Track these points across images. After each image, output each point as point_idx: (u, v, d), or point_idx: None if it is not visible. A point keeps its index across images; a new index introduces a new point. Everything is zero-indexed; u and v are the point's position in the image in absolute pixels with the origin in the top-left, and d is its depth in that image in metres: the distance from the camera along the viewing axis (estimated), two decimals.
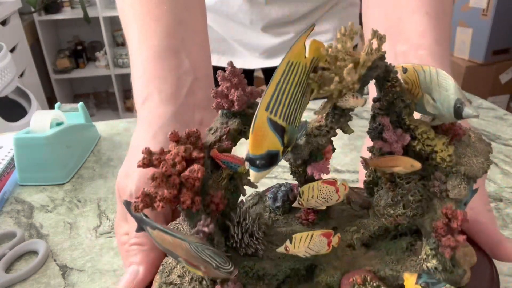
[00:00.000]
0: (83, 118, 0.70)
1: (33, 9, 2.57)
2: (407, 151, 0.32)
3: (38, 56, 2.64)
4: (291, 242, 0.29)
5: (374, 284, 0.29)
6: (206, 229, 0.28)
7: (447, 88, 0.29)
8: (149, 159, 0.28)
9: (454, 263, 0.31)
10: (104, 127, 0.78)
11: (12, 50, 2.04)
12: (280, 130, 0.26)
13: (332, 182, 0.32)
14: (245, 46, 0.88)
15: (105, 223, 0.53)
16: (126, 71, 2.89)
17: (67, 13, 2.74)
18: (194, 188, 0.28)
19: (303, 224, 0.35)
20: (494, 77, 2.15)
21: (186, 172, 0.27)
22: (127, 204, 0.29)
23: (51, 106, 0.96)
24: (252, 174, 0.26)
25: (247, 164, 0.26)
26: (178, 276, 0.31)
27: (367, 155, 0.35)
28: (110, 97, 3.12)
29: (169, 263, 0.33)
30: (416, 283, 0.28)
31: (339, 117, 0.30)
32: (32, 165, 0.61)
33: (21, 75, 2.11)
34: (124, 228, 0.38)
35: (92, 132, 0.73)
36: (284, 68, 0.26)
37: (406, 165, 0.30)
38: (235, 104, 0.30)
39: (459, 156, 0.31)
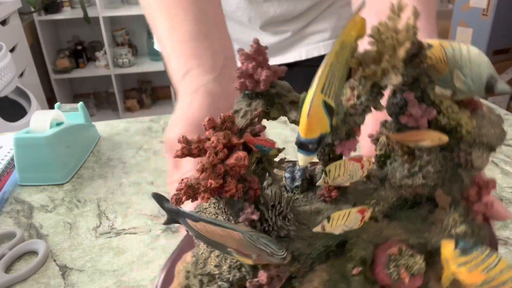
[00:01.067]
0: (83, 118, 0.70)
1: (33, 9, 2.57)
2: (429, 125, 0.33)
3: (38, 56, 2.64)
4: (328, 221, 0.29)
5: (409, 253, 0.30)
6: (254, 217, 0.27)
7: (480, 63, 0.30)
8: (188, 148, 0.27)
9: (480, 228, 0.32)
10: (104, 127, 0.78)
11: (12, 50, 2.04)
12: (331, 112, 0.25)
13: (358, 159, 0.32)
14: (243, 45, 0.88)
15: (105, 223, 0.53)
16: (126, 71, 2.89)
17: (67, 13, 2.74)
18: (238, 176, 0.27)
19: (325, 201, 0.34)
20: None
21: (232, 160, 0.26)
22: (157, 197, 0.29)
23: (51, 106, 0.96)
24: (302, 159, 0.26)
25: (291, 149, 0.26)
26: (215, 266, 0.30)
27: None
28: (110, 97, 3.12)
29: (202, 253, 0.32)
30: (455, 248, 0.29)
31: (376, 95, 0.31)
32: (32, 165, 0.60)
33: (21, 75, 2.11)
34: (175, 176, 0.39)
35: (92, 132, 0.73)
36: (338, 48, 0.26)
37: (434, 138, 0.31)
38: (261, 84, 0.29)
39: (479, 127, 0.32)
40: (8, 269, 0.47)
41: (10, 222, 0.54)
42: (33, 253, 0.49)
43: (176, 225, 0.51)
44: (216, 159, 0.26)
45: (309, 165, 0.36)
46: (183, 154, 0.27)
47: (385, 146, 0.36)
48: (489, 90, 0.29)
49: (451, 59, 0.30)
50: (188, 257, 0.33)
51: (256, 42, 0.29)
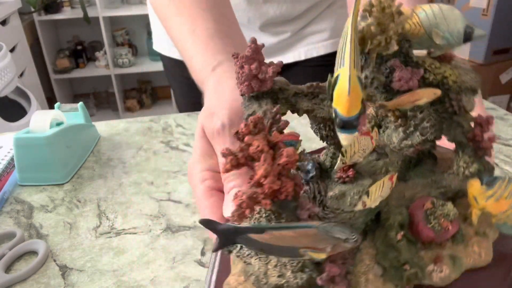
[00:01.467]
0: (83, 118, 0.70)
1: (33, 9, 2.57)
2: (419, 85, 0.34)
3: (38, 56, 2.64)
4: (368, 196, 0.29)
5: (441, 203, 0.31)
6: (317, 210, 0.27)
7: (455, 17, 0.32)
8: (236, 159, 0.26)
9: (488, 162, 0.35)
10: (104, 127, 0.78)
11: (12, 50, 2.04)
12: (363, 87, 0.26)
13: (367, 132, 0.32)
14: None
15: (105, 223, 0.53)
16: (126, 71, 2.89)
17: (67, 13, 2.74)
18: (289, 174, 0.26)
19: (345, 182, 0.34)
20: (494, 77, 2.15)
21: (284, 158, 0.25)
22: (207, 223, 0.27)
23: (51, 106, 0.96)
24: (347, 138, 0.25)
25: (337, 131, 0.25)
26: (279, 276, 0.29)
27: None
28: (110, 97, 3.12)
29: (258, 269, 0.30)
30: (482, 184, 0.30)
31: (380, 65, 0.31)
32: (32, 165, 0.60)
33: (21, 75, 2.11)
34: (205, 164, 0.38)
35: (92, 132, 0.73)
36: (355, 21, 0.27)
37: (429, 94, 0.33)
38: (267, 83, 0.28)
39: (460, 75, 0.34)
40: (8, 269, 0.47)
41: (10, 222, 0.54)
42: (33, 253, 0.49)
43: (177, 225, 0.51)
44: (272, 161, 0.25)
45: (313, 155, 0.36)
46: (232, 166, 0.26)
47: (374, 117, 0.38)
48: (467, 38, 0.32)
49: (425, 20, 0.32)
50: (233, 281, 0.31)
51: (254, 41, 0.29)
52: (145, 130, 0.76)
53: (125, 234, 0.51)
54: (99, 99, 3.22)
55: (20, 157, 0.60)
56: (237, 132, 0.27)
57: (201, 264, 0.46)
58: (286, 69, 0.89)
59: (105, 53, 2.83)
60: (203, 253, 0.47)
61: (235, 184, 0.34)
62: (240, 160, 0.26)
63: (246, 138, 0.27)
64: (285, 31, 0.86)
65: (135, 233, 0.51)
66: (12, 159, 0.65)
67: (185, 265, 0.46)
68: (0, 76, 1.53)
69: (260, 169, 0.25)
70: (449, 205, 0.31)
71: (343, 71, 0.25)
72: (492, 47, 2.07)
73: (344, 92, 0.24)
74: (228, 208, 0.33)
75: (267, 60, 0.32)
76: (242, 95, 0.31)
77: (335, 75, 0.25)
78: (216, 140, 0.37)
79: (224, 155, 0.26)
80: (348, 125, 0.25)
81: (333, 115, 0.26)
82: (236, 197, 0.25)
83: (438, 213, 0.31)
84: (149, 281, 0.44)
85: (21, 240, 0.50)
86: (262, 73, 0.29)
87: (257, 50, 0.29)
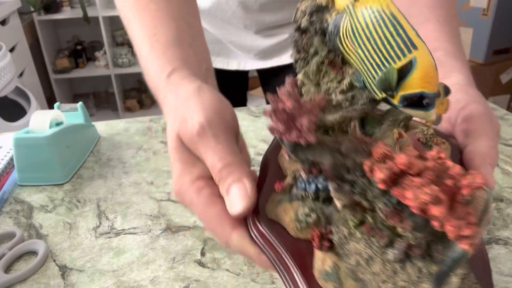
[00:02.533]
0: (82, 118, 0.70)
1: (32, 9, 2.57)
2: None
3: (37, 56, 2.64)
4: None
5: (431, 131, 0.31)
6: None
7: None
8: (393, 175, 0.23)
9: None
10: (104, 127, 0.78)
11: (11, 50, 2.04)
12: None
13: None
14: (240, 47, 0.88)
15: (105, 223, 0.53)
16: (126, 71, 2.89)
17: (66, 13, 2.74)
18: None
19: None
20: (495, 77, 2.15)
21: (465, 181, 0.23)
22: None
23: (51, 106, 0.96)
24: (433, 113, 0.25)
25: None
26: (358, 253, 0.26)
27: None
28: (110, 97, 3.12)
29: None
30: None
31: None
32: (32, 165, 0.60)
33: (21, 75, 2.11)
34: (191, 174, 0.35)
35: (92, 132, 0.73)
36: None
37: None
38: (310, 138, 0.25)
39: None
40: (8, 269, 0.47)
41: (10, 222, 0.54)
42: (33, 253, 0.49)
43: (177, 225, 0.51)
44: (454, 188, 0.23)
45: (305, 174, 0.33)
46: (388, 183, 0.23)
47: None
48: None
49: None
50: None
51: (292, 83, 0.27)
52: (145, 130, 0.76)
53: (125, 234, 0.51)
54: (99, 99, 3.22)
55: (19, 157, 0.60)
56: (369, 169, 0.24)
57: (201, 264, 0.46)
58: (284, 70, 0.89)
59: (105, 53, 2.83)
60: (203, 253, 0.47)
61: (233, 179, 0.32)
62: (405, 186, 0.23)
63: (401, 160, 0.24)
64: (282, 32, 0.86)
65: (135, 233, 0.51)
66: (11, 159, 0.65)
67: (185, 265, 0.46)
68: (0, 76, 1.53)
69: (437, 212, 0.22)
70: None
71: (420, 52, 0.24)
72: (492, 47, 2.07)
73: (432, 68, 0.24)
74: (235, 205, 0.31)
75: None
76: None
77: (404, 61, 0.24)
78: (199, 142, 0.34)
79: (380, 180, 0.23)
80: (433, 101, 0.25)
81: (411, 100, 0.25)
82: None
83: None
84: (149, 281, 0.44)
85: (21, 240, 0.50)
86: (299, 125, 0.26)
87: (291, 93, 0.27)
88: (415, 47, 0.24)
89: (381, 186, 0.23)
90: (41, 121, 0.61)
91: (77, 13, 2.70)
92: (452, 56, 0.45)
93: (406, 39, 0.24)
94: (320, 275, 0.27)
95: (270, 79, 0.94)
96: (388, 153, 0.24)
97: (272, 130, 0.25)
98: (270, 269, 0.32)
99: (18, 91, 1.73)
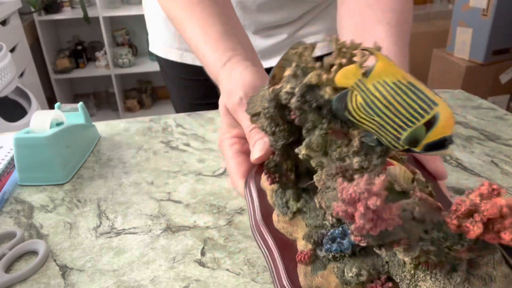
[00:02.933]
0: (83, 118, 0.70)
1: (33, 9, 2.57)
2: None
3: (38, 56, 2.64)
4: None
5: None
6: None
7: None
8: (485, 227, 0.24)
9: None
10: (104, 127, 0.78)
11: (12, 50, 2.04)
12: None
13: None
14: None
15: (105, 223, 0.53)
16: (126, 71, 2.89)
17: (67, 13, 2.74)
18: None
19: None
20: (494, 77, 2.15)
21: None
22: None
23: (51, 106, 0.96)
24: (451, 148, 0.28)
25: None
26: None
27: None
28: (110, 97, 3.12)
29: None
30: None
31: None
32: (32, 165, 0.61)
33: (21, 75, 2.11)
34: (231, 133, 0.48)
35: (92, 132, 0.73)
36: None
37: None
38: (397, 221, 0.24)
39: None
40: (8, 269, 0.47)
41: (10, 222, 0.54)
42: (33, 253, 0.49)
43: (177, 225, 0.51)
44: None
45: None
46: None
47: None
48: None
49: None
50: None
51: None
52: (145, 130, 0.76)
53: (125, 234, 0.51)
54: (99, 99, 3.22)
55: (20, 157, 0.60)
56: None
57: (201, 264, 0.46)
58: None
59: (105, 53, 2.83)
60: (203, 253, 0.47)
61: (259, 137, 0.43)
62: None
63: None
64: (281, 32, 0.86)
65: (135, 233, 0.51)
66: (12, 159, 0.65)
67: (185, 265, 0.46)
68: (0, 76, 1.53)
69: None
70: None
71: (440, 107, 0.27)
72: (492, 47, 2.06)
73: (451, 116, 0.27)
74: (255, 152, 0.42)
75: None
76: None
77: (427, 118, 0.27)
78: (238, 111, 0.45)
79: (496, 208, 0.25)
80: (452, 140, 0.28)
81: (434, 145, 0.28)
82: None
83: None
84: (149, 281, 0.44)
85: (21, 240, 0.50)
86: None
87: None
88: (435, 104, 0.27)
89: (473, 237, 0.25)
90: (41, 121, 0.61)
91: (78, 13, 2.70)
92: (393, 56, 0.51)
93: (426, 99, 0.27)
94: None
95: None
96: (472, 208, 0.25)
97: (358, 230, 0.24)
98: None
99: (19, 91, 1.73)
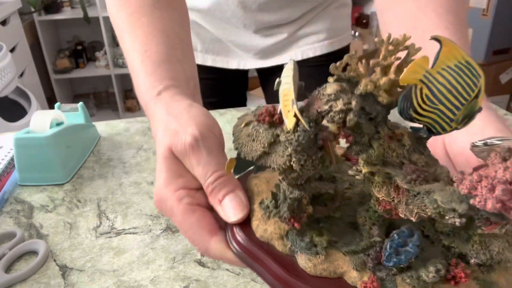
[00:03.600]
0: (83, 118, 0.70)
1: (33, 9, 2.57)
2: None
3: (38, 56, 2.64)
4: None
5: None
6: None
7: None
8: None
9: None
10: (104, 127, 0.78)
11: (12, 50, 2.04)
12: None
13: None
14: (239, 46, 0.88)
15: (105, 223, 0.53)
16: (126, 71, 2.89)
17: (67, 13, 2.74)
18: None
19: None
20: (494, 77, 2.15)
21: None
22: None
23: (51, 106, 0.96)
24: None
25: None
26: None
27: None
28: (110, 97, 3.13)
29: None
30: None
31: None
32: (32, 165, 0.61)
33: (21, 75, 2.11)
34: (176, 184, 0.37)
35: (92, 132, 0.73)
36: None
37: None
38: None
39: None
40: (8, 269, 0.47)
41: (10, 222, 0.54)
42: (33, 253, 0.49)
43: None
44: None
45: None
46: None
47: None
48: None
49: None
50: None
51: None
52: (145, 130, 0.76)
53: (125, 234, 0.51)
54: (99, 99, 3.22)
55: (20, 157, 0.60)
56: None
57: (201, 264, 0.46)
58: (282, 70, 0.90)
59: (105, 53, 2.83)
60: (203, 253, 0.47)
61: (228, 190, 0.34)
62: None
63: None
64: (281, 32, 0.86)
65: (135, 233, 0.51)
66: (12, 159, 0.65)
67: (185, 265, 0.46)
68: (0, 76, 1.53)
69: None
70: None
71: (482, 77, 0.27)
72: (492, 47, 2.07)
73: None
74: (236, 212, 0.33)
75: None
76: None
77: (476, 91, 0.27)
78: (191, 154, 0.36)
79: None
80: None
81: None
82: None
83: None
84: (149, 280, 0.44)
85: (21, 240, 0.50)
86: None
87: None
88: (479, 75, 0.27)
89: None
90: (41, 121, 0.61)
91: (78, 13, 2.70)
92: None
93: (475, 73, 0.27)
94: None
95: (270, 78, 0.95)
96: None
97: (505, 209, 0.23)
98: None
99: (19, 91, 1.73)
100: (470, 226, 0.28)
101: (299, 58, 0.89)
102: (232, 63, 0.91)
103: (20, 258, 0.48)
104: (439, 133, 0.28)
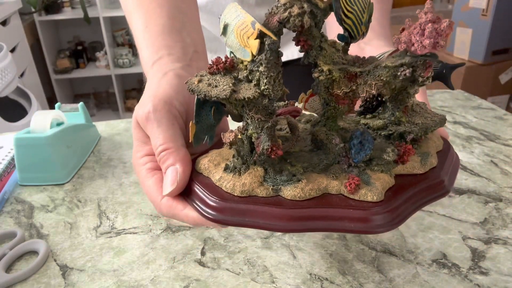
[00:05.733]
0: (83, 118, 0.70)
1: (33, 9, 2.57)
2: None
3: (38, 56, 2.65)
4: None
5: None
6: None
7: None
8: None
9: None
10: (104, 127, 0.78)
11: (12, 50, 2.04)
12: None
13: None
14: None
15: (105, 223, 0.53)
16: (126, 71, 2.89)
17: (67, 13, 2.74)
18: None
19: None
20: (494, 77, 2.15)
21: None
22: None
23: (51, 106, 0.96)
24: None
25: None
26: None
27: None
28: (110, 97, 3.13)
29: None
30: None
31: None
32: (32, 165, 0.61)
33: (22, 75, 2.11)
34: (142, 151, 0.41)
35: (92, 132, 0.73)
36: None
37: None
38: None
39: None
40: (8, 269, 0.47)
41: (11, 222, 0.54)
42: (34, 253, 0.49)
43: (177, 225, 0.51)
44: None
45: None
46: None
47: None
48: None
49: None
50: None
51: None
52: None
53: (125, 234, 0.51)
54: (100, 99, 3.22)
55: (20, 157, 0.60)
56: None
57: (201, 264, 0.46)
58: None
59: (106, 53, 2.83)
60: (203, 253, 0.47)
61: (169, 163, 0.37)
62: None
63: None
64: None
65: (135, 233, 0.51)
66: (12, 159, 0.65)
67: (185, 265, 0.46)
68: (1, 76, 1.53)
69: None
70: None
71: None
72: (491, 48, 2.06)
73: None
74: (166, 187, 0.36)
75: None
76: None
77: None
78: (146, 126, 0.40)
79: None
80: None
81: None
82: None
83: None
84: (150, 280, 0.44)
85: (22, 240, 0.50)
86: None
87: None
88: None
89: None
90: (42, 121, 0.61)
91: (78, 13, 2.70)
92: (382, 25, 0.57)
93: None
94: None
95: None
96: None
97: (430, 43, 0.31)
98: (200, 226, 0.37)
99: (19, 91, 1.73)
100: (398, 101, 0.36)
101: (296, 56, 0.89)
102: None
103: (21, 258, 0.48)
104: (355, 38, 0.34)
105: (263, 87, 0.33)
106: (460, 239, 0.48)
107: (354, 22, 0.34)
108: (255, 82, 0.33)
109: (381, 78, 0.33)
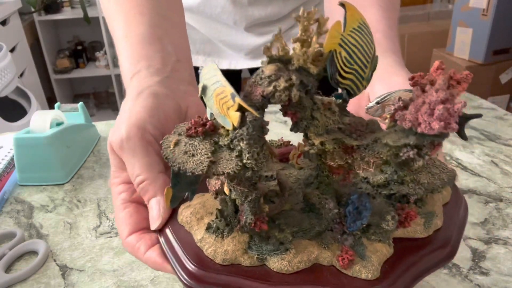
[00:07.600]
0: (83, 118, 0.70)
1: (33, 9, 2.57)
2: None
3: (38, 56, 2.64)
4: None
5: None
6: None
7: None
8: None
9: None
10: (104, 127, 0.78)
11: (12, 50, 2.04)
12: None
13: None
14: (230, 46, 0.88)
15: (105, 223, 0.53)
16: None
17: (67, 13, 2.74)
18: None
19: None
20: (494, 77, 2.15)
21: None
22: None
23: (51, 106, 0.96)
24: None
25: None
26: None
27: None
28: (110, 97, 3.13)
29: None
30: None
31: None
32: (32, 165, 0.61)
33: (21, 75, 2.11)
34: (119, 178, 0.40)
35: (92, 132, 0.73)
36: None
37: None
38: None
39: None
40: (8, 269, 0.47)
41: (10, 222, 0.54)
42: (33, 253, 0.49)
43: None
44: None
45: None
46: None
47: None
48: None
49: None
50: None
51: None
52: None
53: None
54: (99, 99, 3.22)
55: (20, 157, 0.60)
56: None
57: None
58: None
59: (105, 53, 2.83)
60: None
61: (150, 196, 0.36)
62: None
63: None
64: (272, 31, 0.86)
65: None
66: (12, 159, 0.65)
67: None
68: (0, 76, 1.53)
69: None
70: None
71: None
72: (491, 48, 2.06)
73: None
74: (153, 221, 0.35)
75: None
76: None
77: (374, 47, 0.30)
78: (121, 154, 0.38)
79: None
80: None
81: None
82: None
83: None
84: (149, 281, 0.44)
85: (21, 240, 0.50)
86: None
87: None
88: (371, 32, 0.30)
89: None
90: (41, 121, 0.61)
91: (78, 13, 2.70)
92: (390, 39, 0.53)
93: (369, 30, 0.30)
94: None
95: None
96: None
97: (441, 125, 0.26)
98: (159, 270, 0.34)
99: (19, 91, 1.73)
100: (403, 167, 0.31)
101: None
102: (223, 63, 0.90)
103: (20, 258, 0.48)
104: (355, 94, 0.31)
105: (245, 161, 0.29)
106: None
107: (354, 81, 0.30)
108: (237, 153, 0.29)
109: (380, 156, 0.30)
